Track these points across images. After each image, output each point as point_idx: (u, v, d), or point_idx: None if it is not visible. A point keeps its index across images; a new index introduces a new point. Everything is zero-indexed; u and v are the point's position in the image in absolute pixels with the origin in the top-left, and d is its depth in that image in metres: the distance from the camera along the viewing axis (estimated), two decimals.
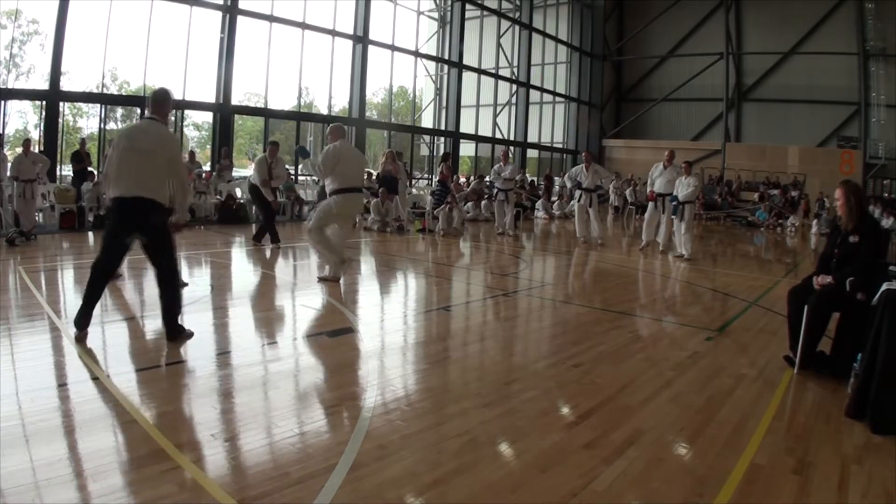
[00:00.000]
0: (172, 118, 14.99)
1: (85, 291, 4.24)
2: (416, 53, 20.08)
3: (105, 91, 13.80)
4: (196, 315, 5.20)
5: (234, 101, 14.86)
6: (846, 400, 3.62)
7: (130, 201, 4.15)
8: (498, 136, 22.66)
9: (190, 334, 4.31)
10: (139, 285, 6.16)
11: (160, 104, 4.36)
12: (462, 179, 18.07)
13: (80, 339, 4.14)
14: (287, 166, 11.61)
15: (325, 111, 17.54)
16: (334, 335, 4.88)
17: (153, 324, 4.86)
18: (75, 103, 14.68)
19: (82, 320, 4.19)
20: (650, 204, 10.72)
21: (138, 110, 14.54)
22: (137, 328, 4.78)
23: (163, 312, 4.27)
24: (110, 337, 4.48)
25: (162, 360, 3.96)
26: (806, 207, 19.46)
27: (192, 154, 14.20)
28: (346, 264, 6.67)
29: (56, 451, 2.61)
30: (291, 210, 13.57)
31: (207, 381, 3.63)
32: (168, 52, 13.71)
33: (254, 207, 10.87)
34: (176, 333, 4.26)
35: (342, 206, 6.43)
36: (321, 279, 6.58)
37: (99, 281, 4.29)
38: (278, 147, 9.64)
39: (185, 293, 6.03)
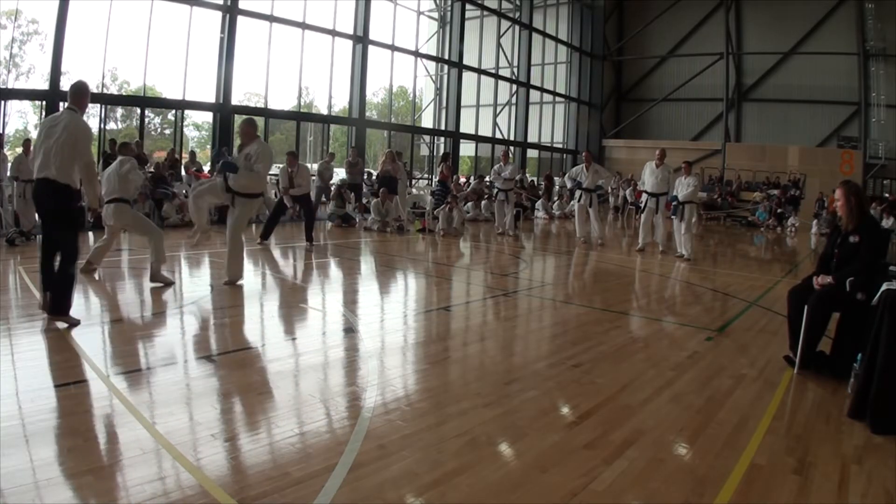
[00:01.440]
0: (172, 117, 14.90)
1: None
2: (416, 53, 20.08)
3: (105, 91, 13.79)
4: (195, 315, 5.21)
5: (234, 101, 14.85)
6: (847, 400, 3.62)
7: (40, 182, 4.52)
8: (498, 136, 22.66)
9: (76, 322, 4.47)
10: (139, 285, 6.17)
11: (76, 96, 4.65)
12: (462, 180, 18.08)
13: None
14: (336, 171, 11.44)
15: (325, 111, 17.54)
16: (334, 335, 4.89)
17: (153, 324, 4.86)
18: None
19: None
20: (642, 204, 10.76)
21: (138, 110, 14.57)
22: (138, 328, 4.78)
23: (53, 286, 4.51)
24: (110, 337, 4.48)
25: (162, 360, 3.96)
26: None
27: (192, 154, 14.21)
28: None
29: (56, 451, 2.61)
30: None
31: (207, 381, 3.63)
32: (168, 52, 13.71)
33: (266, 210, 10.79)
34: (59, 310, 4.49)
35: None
36: None
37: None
38: (297, 157, 9.91)
39: (185, 293, 6.06)
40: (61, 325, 4.41)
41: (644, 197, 10.68)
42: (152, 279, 6.03)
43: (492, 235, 12.30)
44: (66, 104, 4.68)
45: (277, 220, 9.67)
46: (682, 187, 10.03)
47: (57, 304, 4.46)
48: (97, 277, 6.32)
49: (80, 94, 4.66)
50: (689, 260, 9.75)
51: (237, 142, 7.74)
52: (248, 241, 9.50)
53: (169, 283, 6.07)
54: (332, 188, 13.21)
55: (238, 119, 15.30)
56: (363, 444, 2.82)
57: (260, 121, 16.69)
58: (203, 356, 4.04)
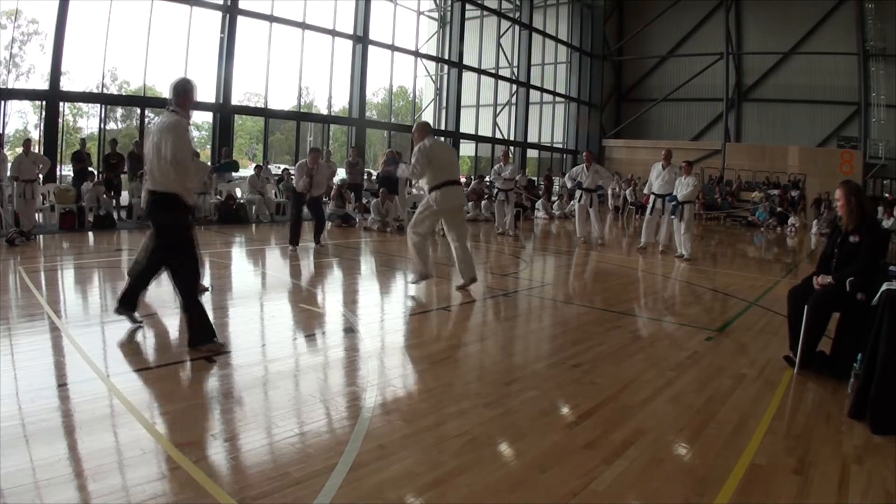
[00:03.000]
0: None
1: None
2: (416, 53, 20.08)
3: (105, 91, 13.80)
4: None
5: (234, 101, 14.87)
6: (847, 400, 3.62)
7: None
8: (498, 136, 22.66)
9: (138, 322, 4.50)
10: None
11: (177, 96, 4.19)
12: (462, 180, 18.06)
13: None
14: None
15: (325, 111, 17.55)
16: (334, 335, 4.89)
17: (153, 324, 4.86)
18: (75, 103, 14.70)
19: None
20: (649, 205, 10.74)
21: (138, 110, 14.58)
22: (137, 328, 4.77)
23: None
24: (110, 337, 4.48)
25: (162, 360, 3.96)
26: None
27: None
28: (427, 279, 6.57)
29: (56, 451, 2.61)
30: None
31: (207, 380, 3.63)
32: (168, 52, 13.77)
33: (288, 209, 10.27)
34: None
35: (442, 202, 6.32)
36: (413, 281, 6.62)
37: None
38: (320, 153, 9.37)
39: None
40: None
41: (651, 199, 10.67)
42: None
43: (492, 235, 12.30)
44: (169, 106, 4.17)
45: (300, 222, 9.17)
46: (682, 187, 10.03)
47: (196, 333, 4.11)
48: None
49: (182, 93, 4.17)
50: (688, 260, 9.75)
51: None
52: (248, 242, 9.50)
53: (202, 290, 5.78)
54: (333, 188, 13.21)
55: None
56: (363, 444, 2.82)
57: (260, 121, 16.72)
58: (203, 356, 4.03)
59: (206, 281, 5.87)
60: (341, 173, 15.58)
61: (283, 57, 16.26)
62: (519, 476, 2.63)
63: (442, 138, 20.91)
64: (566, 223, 15.91)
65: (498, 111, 22.68)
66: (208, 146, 15.79)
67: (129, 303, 4.55)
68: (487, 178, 16.18)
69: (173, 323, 5.00)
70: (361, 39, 17.09)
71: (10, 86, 12.65)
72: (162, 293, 5.93)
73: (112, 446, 2.70)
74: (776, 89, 24.60)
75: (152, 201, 4.17)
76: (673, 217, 10.17)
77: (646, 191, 11.01)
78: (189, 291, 4.15)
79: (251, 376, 3.75)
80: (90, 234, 10.00)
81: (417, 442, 2.89)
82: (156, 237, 4.36)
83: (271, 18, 15.06)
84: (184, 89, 4.20)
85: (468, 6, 20.68)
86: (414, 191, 16.09)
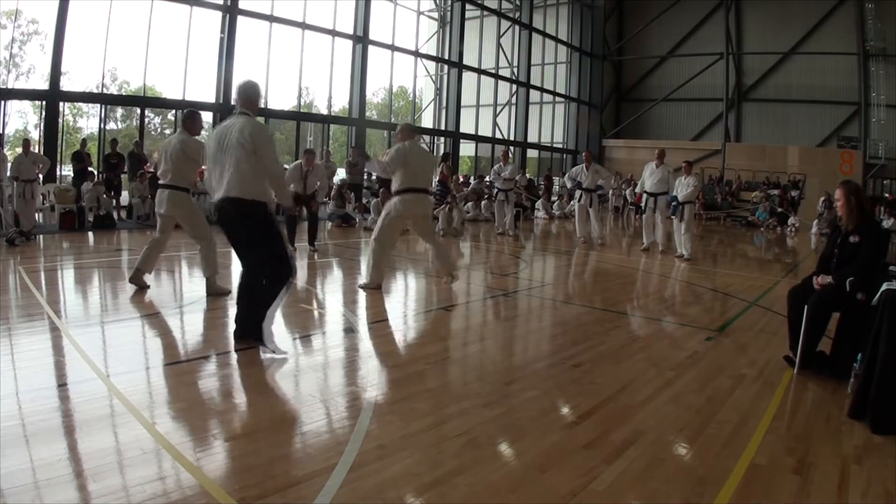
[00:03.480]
0: (172, 117, 14.82)
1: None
2: (416, 53, 20.07)
3: (105, 91, 13.80)
4: (195, 315, 5.21)
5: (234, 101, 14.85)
6: (847, 400, 3.62)
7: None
8: (498, 136, 22.66)
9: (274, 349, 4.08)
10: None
11: (246, 98, 4.09)
12: (462, 180, 18.07)
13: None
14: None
15: (325, 111, 17.55)
16: (334, 335, 4.89)
17: (153, 323, 4.86)
18: (75, 103, 14.70)
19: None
20: (644, 205, 10.78)
21: (138, 110, 14.58)
22: (138, 328, 4.78)
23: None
24: (110, 337, 4.49)
25: (162, 360, 3.96)
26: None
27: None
28: (377, 288, 6.39)
29: (56, 451, 2.61)
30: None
31: (207, 380, 3.63)
32: (168, 52, 13.74)
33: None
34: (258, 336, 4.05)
35: (405, 209, 6.24)
36: (362, 286, 6.41)
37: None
38: (314, 155, 9.25)
39: (185, 293, 6.06)
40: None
41: (644, 198, 10.71)
42: (209, 291, 5.69)
43: (492, 235, 12.30)
44: (237, 109, 4.06)
45: (296, 222, 9.13)
46: (682, 187, 10.04)
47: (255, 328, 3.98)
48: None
49: (256, 97, 4.12)
50: (688, 260, 9.75)
51: None
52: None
53: (224, 293, 5.70)
54: (333, 188, 13.20)
55: None
56: (363, 444, 2.82)
57: (260, 121, 16.71)
58: (203, 356, 4.04)
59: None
60: (341, 173, 15.59)
61: (283, 57, 16.28)
62: (519, 476, 2.63)
63: (442, 138, 21.05)
64: (566, 223, 15.91)
65: (498, 111, 22.67)
66: None
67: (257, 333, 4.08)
68: (487, 178, 16.18)
69: (174, 323, 5.01)
70: (361, 39, 17.09)
71: (10, 86, 12.66)
72: (162, 293, 5.94)
73: (112, 446, 2.70)
74: (776, 89, 24.59)
75: (241, 212, 3.90)
76: (673, 217, 10.19)
77: (637, 189, 11.04)
78: (275, 293, 4.01)
79: (251, 376, 3.75)
80: (90, 234, 10.00)
81: (417, 442, 2.89)
82: (249, 250, 4.04)
83: (271, 18, 15.05)
84: (257, 93, 4.13)
85: (468, 6, 20.68)
86: None
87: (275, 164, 4.06)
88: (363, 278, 6.54)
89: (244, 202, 3.88)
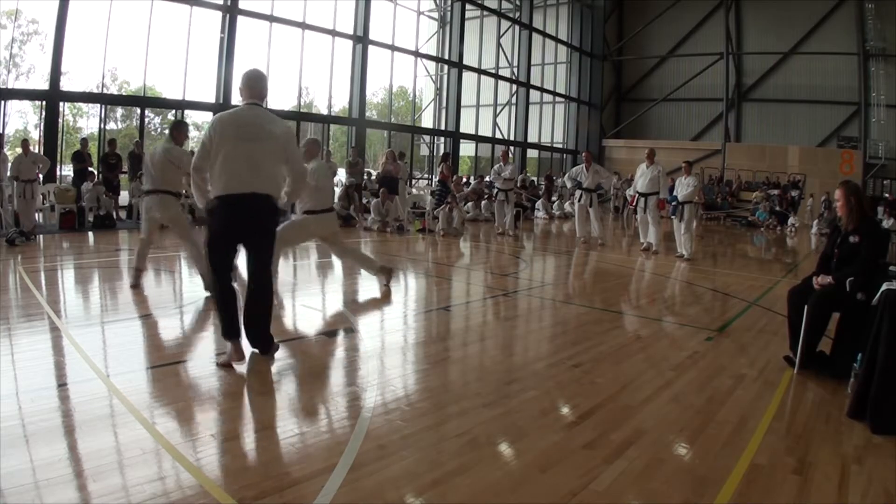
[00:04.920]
0: (172, 117, 14.84)
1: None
2: (416, 53, 20.07)
3: (105, 91, 13.80)
4: (195, 315, 5.21)
5: (234, 101, 14.84)
6: (847, 400, 3.61)
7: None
8: (498, 136, 22.66)
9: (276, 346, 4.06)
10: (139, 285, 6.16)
11: (252, 87, 3.94)
12: (463, 180, 18.08)
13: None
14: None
15: (325, 111, 17.55)
16: (334, 335, 4.88)
17: (153, 323, 4.87)
18: (75, 103, 14.69)
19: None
20: (635, 205, 10.84)
21: (138, 110, 14.58)
22: (138, 328, 4.78)
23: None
24: (110, 337, 4.49)
25: (162, 360, 3.95)
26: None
27: (192, 154, 14.19)
28: (391, 272, 6.46)
29: (56, 451, 2.61)
30: None
31: (207, 381, 3.62)
32: (168, 52, 13.72)
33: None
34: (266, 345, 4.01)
35: (317, 230, 6.08)
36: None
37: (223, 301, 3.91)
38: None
39: (185, 293, 6.06)
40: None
41: (636, 198, 10.79)
42: (207, 288, 5.51)
43: (492, 235, 12.30)
44: (245, 100, 3.89)
45: None
46: (682, 187, 10.05)
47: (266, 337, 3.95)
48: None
49: (261, 84, 3.94)
50: (688, 260, 9.75)
51: None
52: None
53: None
54: (340, 189, 13.18)
55: None
56: (363, 444, 2.82)
57: None
58: (203, 356, 4.03)
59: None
60: (341, 173, 15.57)
61: (283, 57, 16.26)
62: (519, 476, 2.63)
63: (442, 138, 21.05)
64: (566, 223, 15.91)
65: (498, 111, 22.68)
66: None
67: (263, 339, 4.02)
68: (487, 178, 16.18)
69: (173, 323, 5.01)
70: (361, 39, 17.09)
71: (10, 86, 12.64)
72: (162, 293, 5.94)
73: (112, 446, 2.70)
74: (776, 89, 24.60)
75: (268, 208, 3.84)
76: (673, 217, 10.20)
77: (630, 191, 11.08)
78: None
79: (251, 376, 3.75)
80: (90, 234, 10.00)
81: (417, 442, 2.89)
82: (263, 244, 3.97)
83: (271, 18, 15.06)
84: (265, 83, 3.98)
85: (468, 6, 20.68)
86: (414, 191, 16.11)
87: (302, 165, 4.14)
88: (380, 278, 6.49)
89: (273, 200, 3.86)
